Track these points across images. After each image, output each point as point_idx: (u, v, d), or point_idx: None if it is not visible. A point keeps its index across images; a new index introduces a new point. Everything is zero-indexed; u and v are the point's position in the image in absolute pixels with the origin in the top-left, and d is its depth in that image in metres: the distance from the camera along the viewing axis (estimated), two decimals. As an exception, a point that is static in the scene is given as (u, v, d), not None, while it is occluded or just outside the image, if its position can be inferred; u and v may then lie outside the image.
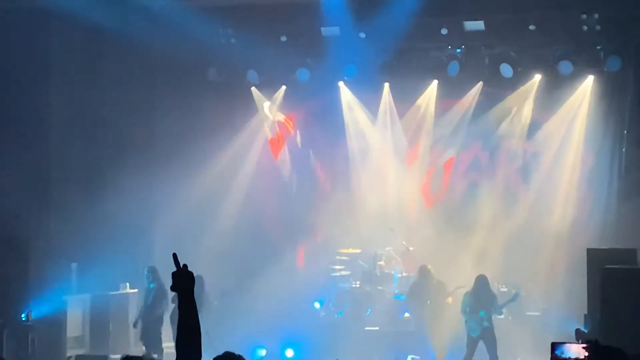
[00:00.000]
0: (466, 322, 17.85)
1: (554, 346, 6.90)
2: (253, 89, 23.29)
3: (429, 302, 18.92)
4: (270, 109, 23.48)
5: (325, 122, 23.30)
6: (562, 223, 21.63)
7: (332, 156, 23.58)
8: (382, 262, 21.58)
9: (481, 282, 17.95)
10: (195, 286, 19.27)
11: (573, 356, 6.90)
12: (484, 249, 21.28)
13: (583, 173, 21.95)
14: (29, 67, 19.98)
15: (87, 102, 21.44)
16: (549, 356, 8.32)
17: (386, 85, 22.90)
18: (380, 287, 21.04)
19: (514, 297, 18.26)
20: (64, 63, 21.01)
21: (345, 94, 23.12)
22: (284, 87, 23.25)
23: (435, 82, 22.47)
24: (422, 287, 19.12)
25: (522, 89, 22.04)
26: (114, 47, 21.12)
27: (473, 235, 21.56)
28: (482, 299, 17.79)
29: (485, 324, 17.69)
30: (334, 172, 23.54)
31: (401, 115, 23.04)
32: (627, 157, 21.54)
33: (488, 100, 22.45)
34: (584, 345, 7.18)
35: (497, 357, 17.72)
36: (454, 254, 20.96)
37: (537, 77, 21.70)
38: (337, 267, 21.71)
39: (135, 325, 18.66)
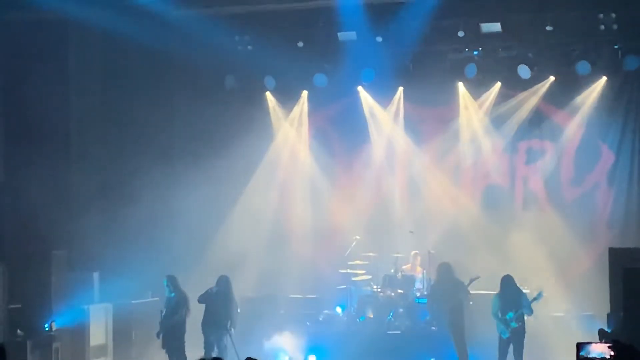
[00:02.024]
0: (497, 324, 17.73)
1: (580, 347, 6.88)
2: (268, 94, 23.34)
3: (449, 300, 18.81)
4: (293, 113, 23.53)
5: (343, 126, 23.27)
6: (584, 223, 21.58)
7: (350, 160, 23.53)
8: (407, 266, 21.57)
9: (505, 282, 17.82)
10: (221, 286, 19.11)
11: (599, 356, 6.87)
12: (507, 251, 21.25)
13: (603, 172, 21.91)
14: (48, 78, 20.10)
15: (106, 113, 21.57)
16: (574, 356, 8.24)
17: (400, 89, 22.91)
18: (401, 291, 20.99)
19: (538, 296, 18.15)
20: (83, 74, 21.13)
21: (366, 98, 23.12)
22: (305, 92, 23.30)
23: (460, 84, 22.45)
24: (443, 283, 19.07)
25: (539, 89, 22.02)
26: (131, 56, 21.24)
27: (495, 238, 21.54)
28: (509, 300, 17.66)
29: (513, 324, 17.54)
30: (354, 177, 23.49)
31: (420, 118, 23.01)
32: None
33: (506, 102, 22.43)
34: (610, 344, 7.15)
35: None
36: (476, 257, 20.92)
37: (551, 78, 21.71)
38: (358, 271, 21.69)
39: (158, 336, 18.69)
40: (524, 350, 17.65)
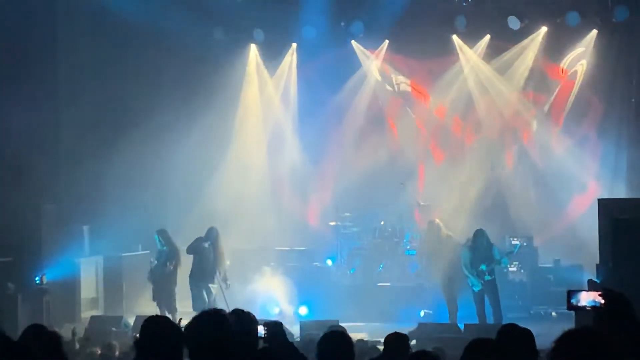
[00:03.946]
0: (468, 277, 17.67)
1: (570, 294, 6.93)
2: (252, 45, 23.26)
3: (439, 257, 18.80)
4: (283, 64, 23.46)
5: (333, 78, 23.16)
6: (574, 174, 21.62)
7: (340, 112, 23.44)
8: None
9: (478, 236, 17.67)
10: (212, 238, 19.00)
11: (590, 304, 6.91)
12: (496, 202, 21.31)
13: (593, 124, 21.91)
14: (37, 22, 19.85)
15: (95, 64, 21.35)
16: (562, 307, 8.25)
17: (386, 42, 22.81)
18: (391, 243, 21.03)
19: (514, 249, 18.18)
20: (73, 21, 20.88)
21: (360, 49, 23.01)
22: (294, 44, 23.20)
23: (455, 37, 22.32)
24: (432, 241, 19.06)
25: (529, 41, 21.94)
26: (122, 7, 20.97)
27: (484, 189, 21.58)
28: (481, 253, 17.53)
29: (487, 277, 17.45)
30: (343, 129, 23.41)
31: (410, 70, 22.97)
32: (637, 107, 21.49)
33: (497, 54, 22.37)
34: (600, 293, 7.18)
35: (500, 311, 17.42)
36: (466, 208, 20.96)
37: (543, 29, 21.63)
38: (348, 223, 21.72)
39: (149, 280, 18.77)
40: (510, 300, 17.66)
